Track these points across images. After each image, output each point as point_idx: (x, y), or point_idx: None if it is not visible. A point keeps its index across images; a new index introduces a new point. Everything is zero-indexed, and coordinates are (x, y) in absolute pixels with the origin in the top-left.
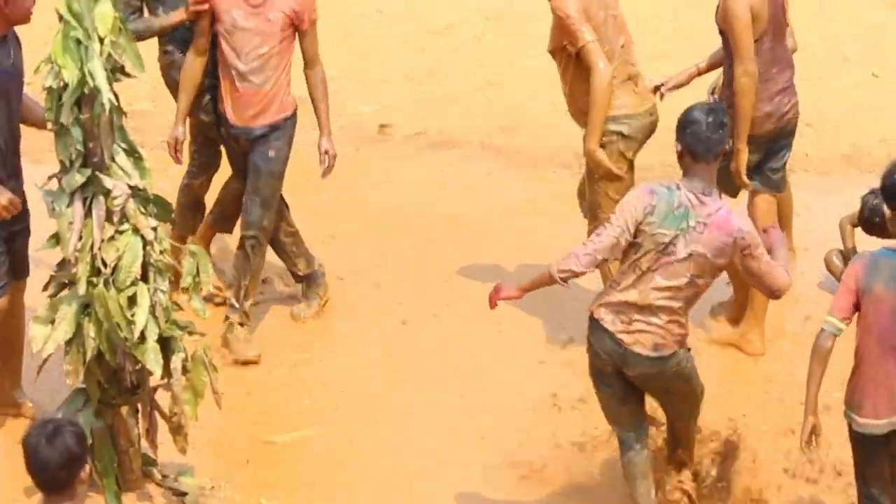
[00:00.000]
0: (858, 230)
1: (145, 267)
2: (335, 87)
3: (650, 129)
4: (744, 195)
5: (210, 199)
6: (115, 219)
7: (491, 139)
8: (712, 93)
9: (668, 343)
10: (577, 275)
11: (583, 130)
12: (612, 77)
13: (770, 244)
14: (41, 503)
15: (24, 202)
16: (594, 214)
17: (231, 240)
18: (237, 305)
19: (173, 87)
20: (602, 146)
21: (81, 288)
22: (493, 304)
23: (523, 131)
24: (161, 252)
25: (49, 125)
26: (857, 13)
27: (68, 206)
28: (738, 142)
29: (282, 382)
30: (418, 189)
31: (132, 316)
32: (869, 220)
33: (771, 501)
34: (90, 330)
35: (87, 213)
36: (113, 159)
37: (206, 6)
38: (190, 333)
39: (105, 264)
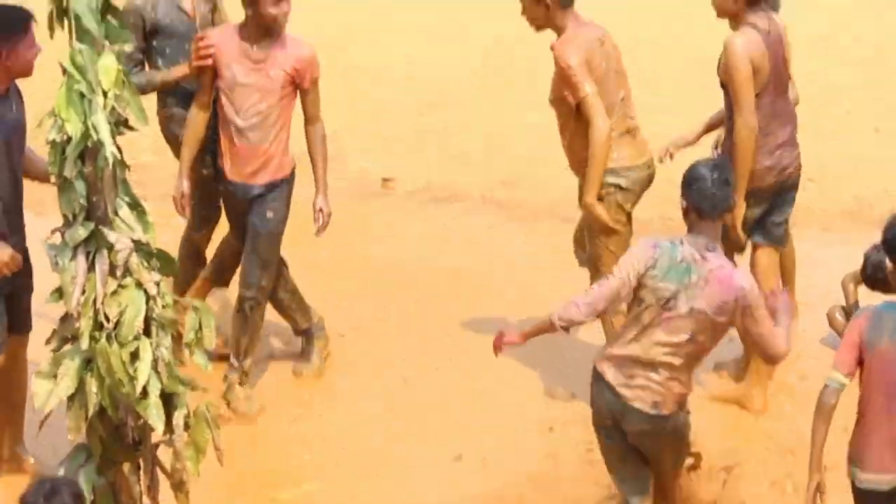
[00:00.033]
0: (861, 286)
1: (148, 321)
2: (338, 141)
3: (648, 182)
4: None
5: (210, 251)
6: (119, 273)
7: (492, 193)
8: (716, 147)
9: (668, 402)
10: (577, 323)
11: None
12: (610, 131)
13: (774, 308)
14: None
15: (27, 257)
16: (595, 267)
17: (232, 294)
18: (236, 365)
19: (172, 140)
20: (600, 199)
21: (84, 343)
22: (497, 351)
23: (524, 185)
24: (164, 306)
25: (52, 179)
26: (858, 66)
27: (71, 259)
28: (735, 194)
29: (283, 438)
30: (421, 243)
31: (135, 371)
32: (872, 277)
33: None
34: (92, 385)
35: (90, 268)
36: (116, 213)
37: (208, 61)
38: (193, 389)
39: (108, 319)
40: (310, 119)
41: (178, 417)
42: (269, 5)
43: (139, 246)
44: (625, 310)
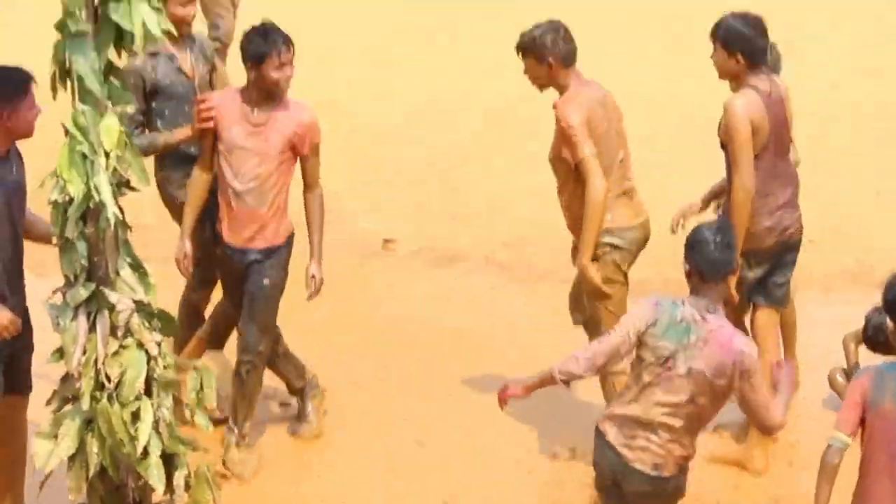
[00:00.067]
0: (862, 347)
1: (149, 382)
2: (339, 202)
3: (643, 242)
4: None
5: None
6: (120, 333)
7: (494, 254)
8: (718, 208)
9: (669, 464)
10: (576, 376)
11: None
12: (607, 192)
13: (777, 378)
14: None
15: (27, 318)
16: (596, 328)
17: (230, 355)
18: (234, 428)
19: (170, 202)
20: (596, 258)
21: (85, 403)
22: (502, 404)
23: (526, 246)
24: (165, 367)
25: (53, 240)
26: (858, 129)
27: (72, 320)
28: None
29: (282, 498)
30: (422, 303)
31: (135, 431)
32: (874, 339)
33: None
34: (93, 445)
35: (92, 328)
36: (118, 273)
37: (210, 123)
38: (194, 449)
39: (109, 379)
40: (308, 185)
41: (179, 478)
42: (272, 69)
43: (140, 306)
44: (626, 369)
